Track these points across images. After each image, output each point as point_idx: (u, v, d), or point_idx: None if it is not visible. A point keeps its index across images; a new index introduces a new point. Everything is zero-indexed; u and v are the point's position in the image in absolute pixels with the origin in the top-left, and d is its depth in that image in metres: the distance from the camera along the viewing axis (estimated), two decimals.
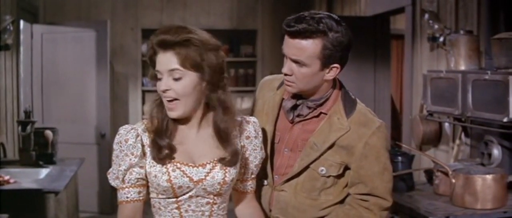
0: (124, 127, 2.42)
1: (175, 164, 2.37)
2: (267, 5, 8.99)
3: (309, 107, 2.63)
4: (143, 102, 9.32)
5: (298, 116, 2.65)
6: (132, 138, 2.36)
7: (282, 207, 2.68)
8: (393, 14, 6.65)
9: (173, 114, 2.36)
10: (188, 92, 2.34)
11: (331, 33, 2.45)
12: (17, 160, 5.60)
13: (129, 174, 2.36)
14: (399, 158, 4.43)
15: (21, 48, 6.97)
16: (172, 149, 2.38)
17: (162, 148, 2.35)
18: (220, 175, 2.41)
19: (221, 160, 2.41)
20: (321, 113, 2.63)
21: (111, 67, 7.99)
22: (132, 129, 2.39)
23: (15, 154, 6.11)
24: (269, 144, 2.69)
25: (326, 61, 2.48)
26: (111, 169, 2.40)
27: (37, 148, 5.50)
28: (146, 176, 2.39)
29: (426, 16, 5.07)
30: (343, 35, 2.48)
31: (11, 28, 5.71)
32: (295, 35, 2.46)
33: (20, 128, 5.46)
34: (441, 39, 4.96)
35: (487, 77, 3.99)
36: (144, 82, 9.18)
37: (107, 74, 7.50)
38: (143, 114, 9.25)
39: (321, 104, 2.63)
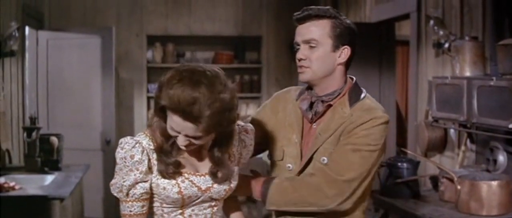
0: (127, 140, 2.37)
1: (183, 175, 2.39)
2: (272, 12, 9.00)
3: (323, 102, 2.67)
4: (148, 109, 9.31)
5: (315, 113, 2.68)
6: (138, 154, 2.34)
7: None
8: (398, 20, 6.65)
9: (184, 149, 2.36)
10: (206, 142, 2.37)
11: (337, 18, 2.61)
12: (22, 166, 5.61)
13: (134, 189, 2.36)
14: (405, 164, 4.43)
15: (27, 55, 6.99)
16: (179, 165, 2.39)
17: (169, 165, 2.36)
18: (226, 182, 2.46)
19: (212, 176, 2.44)
20: (329, 105, 2.66)
21: (116, 74, 7.99)
22: (137, 143, 2.35)
23: (20, 160, 6.12)
24: (299, 154, 2.70)
25: (337, 41, 2.60)
26: (114, 181, 2.39)
27: (43, 154, 5.51)
28: (150, 189, 2.39)
29: (431, 22, 5.06)
30: (349, 23, 2.64)
31: (17, 34, 5.72)
32: (306, 19, 2.62)
33: (25, 134, 5.47)
34: (446, 45, 4.95)
35: (492, 83, 3.98)
36: (150, 89, 9.18)
37: (112, 81, 7.50)
38: (148, 120, 9.26)
39: (334, 99, 2.66)
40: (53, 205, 4.57)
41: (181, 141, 2.29)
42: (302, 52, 2.62)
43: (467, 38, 4.58)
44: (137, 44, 9.02)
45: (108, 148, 7.45)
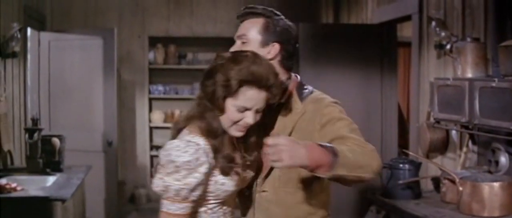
0: (186, 144, 2.40)
1: (234, 168, 2.52)
2: None
3: None
4: (150, 110, 9.33)
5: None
6: (202, 156, 2.39)
7: (265, 208, 2.71)
8: (400, 21, 6.64)
9: (240, 135, 2.50)
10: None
11: (272, 18, 2.75)
12: (24, 168, 5.61)
13: (194, 191, 2.40)
14: (406, 165, 4.43)
15: (28, 56, 6.99)
16: (234, 159, 2.51)
17: (227, 161, 2.46)
18: (253, 169, 2.64)
19: (244, 165, 2.58)
20: (280, 102, 2.70)
21: (118, 75, 8.00)
22: (197, 145, 2.40)
23: (22, 162, 6.12)
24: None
25: (266, 37, 2.71)
26: (169, 184, 2.38)
27: (44, 156, 5.51)
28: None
29: (433, 23, 5.06)
30: (285, 22, 2.77)
31: (19, 35, 5.73)
32: (244, 16, 2.80)
33: (27, 135, 5.47)
34: (448, 46, 4.94)
35: (494, 84, 3.98)
36: (151, 90, 9.19)
37: (114, 82, 7.50)
38: (150, 121, 9.27)
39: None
40: (54, 206, 4.58)
41: (251, 118, 2.44)
42: (234, 47, 2.77)
43: (469, 39, 4.57)
44: (139, 46, 9.04)
45: (110, 149, 7.45)
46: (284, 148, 2.26)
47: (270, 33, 2.72)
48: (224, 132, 2.48)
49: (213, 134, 2.44)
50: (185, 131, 2.48)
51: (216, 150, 2.44)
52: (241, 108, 2.41)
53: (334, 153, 2.33)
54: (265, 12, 2.76)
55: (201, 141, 2.42)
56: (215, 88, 2.41)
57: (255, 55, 2.47)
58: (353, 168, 2.38)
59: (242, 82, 2.38)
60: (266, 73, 2.40)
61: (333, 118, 2.57)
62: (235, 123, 2.44)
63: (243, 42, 2.75)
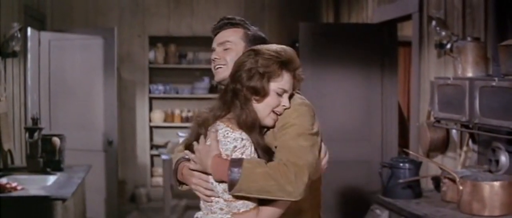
0: (241, 136, 2.46)
1: None
2: (274, 14, 9.00)
3: None
4: (151, 109, 9.33)
5: None
6: (248, 151, 2.46)
7: None
8: (400, 21, 6.64)
9: (273, 123, 2.58)
10: None
11: (249, 28, 2.89)
12: (24, 167, 5.61)
13: None
14: (407, 165, 4.43)
15: (29, 55, 6.99)
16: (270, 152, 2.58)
17: (267, 153, 2.53)
18: None
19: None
20: None
21: (118, 74, 7.99)
22: (243, 141, 2.46)
23: (23, 161, 6.12)
24: None
25: (249, 44, 2.81)
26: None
27: (45, 155, 5.51)
28: None
29: (433, 23, 5.06)
30: (262, 34, 2.91)
31: (19, 35, 5.73)
32: (221, 28, 2.90)
33: (27, 134, 5.47)
34: (448, 46, 4.95)
35: (494, 84, 3.98)
36: (151, 89, 9.19)
37: (114, 81, 7.50)
38: (150, 121, 9.28)
39: None
40: (55, 205, 4.58)
41: (288, 101, 2.56)
42: (217, 53, 2.86)
43: (469, 39, 4.57)
44: (139, 45, 9.04)
45: (110, 149, 7.45)
46: (197, 154, 2.56)
47: (250, 42, 2.83)
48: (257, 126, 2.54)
49: (254, 125, 2.50)
50: (223, 128, 2.49)
51: (256, 143, 2.49)
52: (281, 91, 2.53)
53: (234, 175, 2.42)
54: (243, 22, 2.90)
55: (244, 136, 2.47)
56: (257, 75, 2.50)
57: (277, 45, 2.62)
58: (256, 192, 2.43)
59: (282, 64, 2.53)
60: (296, 56, 2.58)
61: (286, 123, 2.56)
62: (273, 109, 2.53)
63: (226, 49, 2.83)
